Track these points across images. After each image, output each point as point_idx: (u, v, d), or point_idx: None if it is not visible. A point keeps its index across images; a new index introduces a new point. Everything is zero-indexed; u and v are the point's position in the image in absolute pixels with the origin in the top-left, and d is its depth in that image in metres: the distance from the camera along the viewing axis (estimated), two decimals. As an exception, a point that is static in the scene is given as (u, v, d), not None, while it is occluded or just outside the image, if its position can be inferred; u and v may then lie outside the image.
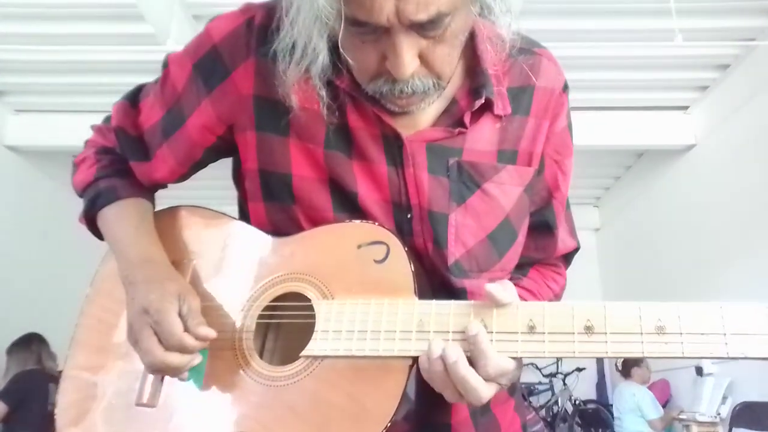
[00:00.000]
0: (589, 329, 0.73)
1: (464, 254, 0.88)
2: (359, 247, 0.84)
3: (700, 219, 5.24)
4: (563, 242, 1.03)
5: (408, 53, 0.75)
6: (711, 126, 5.12)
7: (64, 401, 0.94)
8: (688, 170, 5.52)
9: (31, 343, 4.48)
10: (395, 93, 0.80)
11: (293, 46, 0.81)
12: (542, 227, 1.00)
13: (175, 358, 0.83)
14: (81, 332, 0.98)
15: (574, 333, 0.73)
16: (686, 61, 4.71)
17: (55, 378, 4.22)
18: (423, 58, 0.78)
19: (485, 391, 0.74)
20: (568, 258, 1.06)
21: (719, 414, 4.68)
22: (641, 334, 0.72)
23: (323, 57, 0.80)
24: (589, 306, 0.74)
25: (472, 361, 0.74)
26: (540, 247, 1.01)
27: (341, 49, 0.77)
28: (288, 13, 0.79)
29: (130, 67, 4.45)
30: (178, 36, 3.97)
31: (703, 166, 5.28)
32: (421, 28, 0.74)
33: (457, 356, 0.74)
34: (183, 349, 0.83)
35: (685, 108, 5.38)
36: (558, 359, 6.70)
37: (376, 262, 0.82)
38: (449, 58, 0.81)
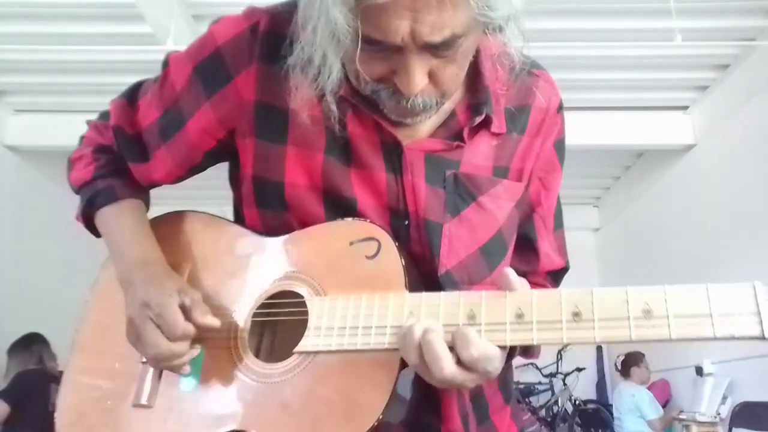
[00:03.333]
0: (576, 315, 0.73)
1: (456, 265, 0.88)
2: (351, 243, 0.84)
3: (699, 219, 5.24)
4: (548, 257, 1.02)
5: (419, 73, 0.76)
6: (711, 126, 5.12)
7: (63, 404, 0.95)
8: (688, 170, 5.52)
9: (31, 344, 4.46)
10: (399, 103, 0.80)
11: (308, 63, 0.81)
12: (524, 240, 1.00)
13: (182, 347, 0.84)
14: (81, 336, 0.99)
15: (562, 320, 0.73)
16: (686, 61, 4.70)
17: (56, 378, 4.20)
18: (432, 76, 0.78)
19: (449, 364, 0.72)
20: (557, 278, 1.06)
21: (719, 414, 4.67)
22: (629, 318, 0.71)
23: (336, 74, 0.80)
24: (577, 292, 0.74)
25: (456, 346, 0.73)
26: (524, 260, 1.01)
27: (357, 66, 0.77)
28: (304, 29, 0.79)
29: (129, 67, 4.45)
30: (178, 36, 3.97)
31: (702, 166, 5.28)
32: (434, 49, 0.74)
33: (437, 327, 0.74)
34: (186, 340, 0.84)
35: (685, 108, 5.38)
36: (558, 359, 6.71)
37: (368, 257, 0.83)
38: (457, 78, 0.82)
